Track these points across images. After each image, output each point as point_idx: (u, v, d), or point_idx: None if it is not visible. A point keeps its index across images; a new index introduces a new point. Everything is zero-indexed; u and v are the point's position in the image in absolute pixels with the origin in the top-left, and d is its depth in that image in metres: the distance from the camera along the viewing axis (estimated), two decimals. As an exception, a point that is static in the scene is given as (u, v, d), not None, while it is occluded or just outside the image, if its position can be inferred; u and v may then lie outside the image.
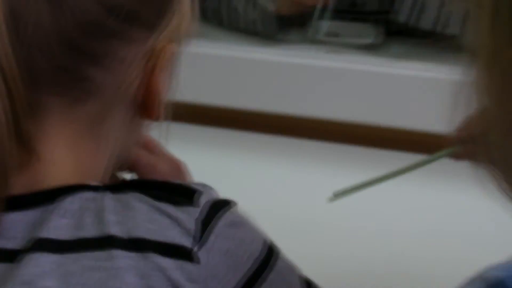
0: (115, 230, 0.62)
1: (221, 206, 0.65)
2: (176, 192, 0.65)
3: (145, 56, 0.66)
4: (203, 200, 0.64)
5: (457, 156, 0.65)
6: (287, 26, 1.48)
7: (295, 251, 0.72)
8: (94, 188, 0.64)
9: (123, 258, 0.61)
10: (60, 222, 0.62)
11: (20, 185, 0.63)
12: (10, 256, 0.61)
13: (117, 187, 0.65)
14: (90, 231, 0.62)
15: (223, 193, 0.68)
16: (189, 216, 0.63)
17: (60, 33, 0.62)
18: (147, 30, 0.66)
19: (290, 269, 0.70)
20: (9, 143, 0.61)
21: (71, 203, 0.63)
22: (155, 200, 0.64)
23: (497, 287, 0.51)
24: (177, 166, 0.81)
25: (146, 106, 0.69)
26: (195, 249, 0.62)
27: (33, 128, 0.63)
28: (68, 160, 0.66)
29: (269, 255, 0.67)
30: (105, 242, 0.62)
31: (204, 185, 0.66)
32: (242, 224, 0.66)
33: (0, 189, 0.61)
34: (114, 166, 0.72)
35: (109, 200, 0.64)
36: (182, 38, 0.69)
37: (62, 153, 0.65)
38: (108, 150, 0.69)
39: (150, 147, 0.80)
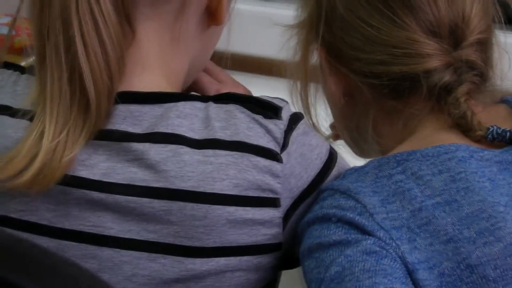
0: (220, 134, 0.78)
1: (296, 119, 0.83)
2: (266, 107, 0.81)
3: None
4: (285, 114, 0.81)
5: (334, 138, 0.99)
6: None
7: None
8: (201, 99, 0.80)
9: (225, 156, 0.78)
10: (177, 121, 0.78)
11: (125, 82, 0.79)
12: (133, 138, 0.78)
13: (219, 98, 0.81)
14: (200, 134, 0.78)
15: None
16: (277, 127, 0.80)
17: None
18: None
19: (347, 164, 0.88)
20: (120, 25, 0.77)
21: (185, 107, 0.79)
22: (252, 112, 0.80)
23: (346, 193, 0.81)
24: (242, 91, 0.96)
25: (213, 10, 0.84)
26: (280, 152, 0.80)
27: (133, 16, 0.79)
28: (154, 56, 0.81)
29: (331, 156, 0.86)
30: (212, 143, 0.78)
31: (283, 101, 0.83)
32: (310, 133, 0.84)
33: (119, 65, 0.76)
34: (187, 82, 0.88)
35: (214, 109, 0.80)
36: None
37: (152, 44, 0.81)
38: (186, 54, 0.84)
39: (215, 74, 0.96)
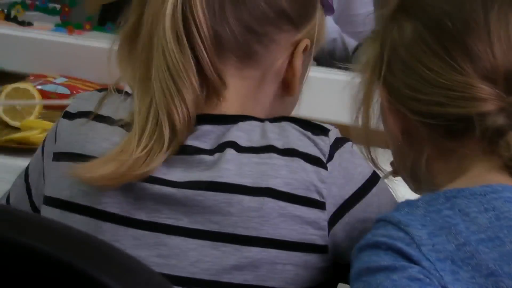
0: (275, 142, 0.91)
1: (343, 140, 0.95)
2: (315, 126, 0.94)
3: (291, 45, 0.99)
4: (332, 134, 0.94)
5: (393, 175, 1.03)
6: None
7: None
8: (258, 119, 0.94)
9: (279, 159, 0.90)
10: (237, 134, 0.92)
11: (208, 111, 0.94)
12: (201, 152, 0.91)
13: (274, 119, 0.95)
14: (257, 142, 0.91)
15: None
16: (323, 142, 0.92)
17: (238, 18, 0.95)
18: (295, 27, 0.99)
19: (389, 189, 0.99)
20: (212, 74, 0.92)
21: (244, 124, 0.93)
22: (302, 129, 0.93)
23: (397, 225, 0.87)
24: None
25: (287, 82, 1.00)
26: (326, 161, 0.92)
27: (223, 73, 0.94)
28: (237, 105, 0.96)
29: (374, 177, 0.97)
30: (267, 149, 0.91)
31: (332, 126, 0.95)
32: (355, 154, 0.96)
33: (197, 109, 0.92)
34: None
35: (269, 125, 0.93)
36: (315, 38, 1.01)
37: (234, 98, 0.96)
38: (261, 113, 0.98)
39: None
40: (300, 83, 1.01)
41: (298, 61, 0.99)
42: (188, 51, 0.90)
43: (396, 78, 0.96)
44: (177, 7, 0.90)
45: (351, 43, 2.17)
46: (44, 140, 1.03)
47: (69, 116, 0.99)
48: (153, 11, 0.92)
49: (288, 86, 1.00)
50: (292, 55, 0.99)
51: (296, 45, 0.99)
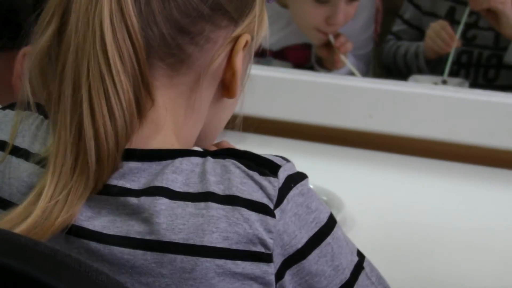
0: (214, 187, 0.81)
1: (296, 179, 0.84)
2: (263, 164, 0.83)
3: (229, 43, 0.87)
4: (282, 173, 0.82)
5: None
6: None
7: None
8: (200, 154, 0.83)
9: (217, 209, 0.80)
10: (172, 176, 0.81)
11: (135, 140, 0.82)
12: (127, 194, 0.81)
13: (217, 153, 0.84)
14: (194, 187, 0.81)
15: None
16: (271, 184, 0.82)
17: (167, 16, 0.83)
18: (232, 22, 0.87)
19: (345, 237, 0.88)
20: (141, 90, 0.81)
21: (182, 163, 0.82)
22: (247, 168, 0.82)
23: None
24: None
25: (227, 83, 0.89)
26: (273, 208, 0.81)
27: (152, 85, 0.83)
28: (168, 121, 0.86)
29: (330, 224, 0.85)
30: (205, 196, 0.81)
31: (284, 159, 0.85)
32: (310, 195, 0.84)
33: (127, 130, 0.81)
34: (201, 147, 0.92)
35: (211, 163, 0.82)
36: (255, 33, 0.90)
37: (168, 110, 0.85)
38: (198, 122, 0.89)
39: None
40: (240, 83, 0.90)
41: (238, 59, 0.88)
42: (130, 69, 0.80)
43: None
44: (114, 15, 0.80)
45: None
46: None
47: None
48: (81, 22, 0.80)
49: (227, 88, 0.89)
50: (231, 53, 0.88)
51: (235, 41, 0.87)
